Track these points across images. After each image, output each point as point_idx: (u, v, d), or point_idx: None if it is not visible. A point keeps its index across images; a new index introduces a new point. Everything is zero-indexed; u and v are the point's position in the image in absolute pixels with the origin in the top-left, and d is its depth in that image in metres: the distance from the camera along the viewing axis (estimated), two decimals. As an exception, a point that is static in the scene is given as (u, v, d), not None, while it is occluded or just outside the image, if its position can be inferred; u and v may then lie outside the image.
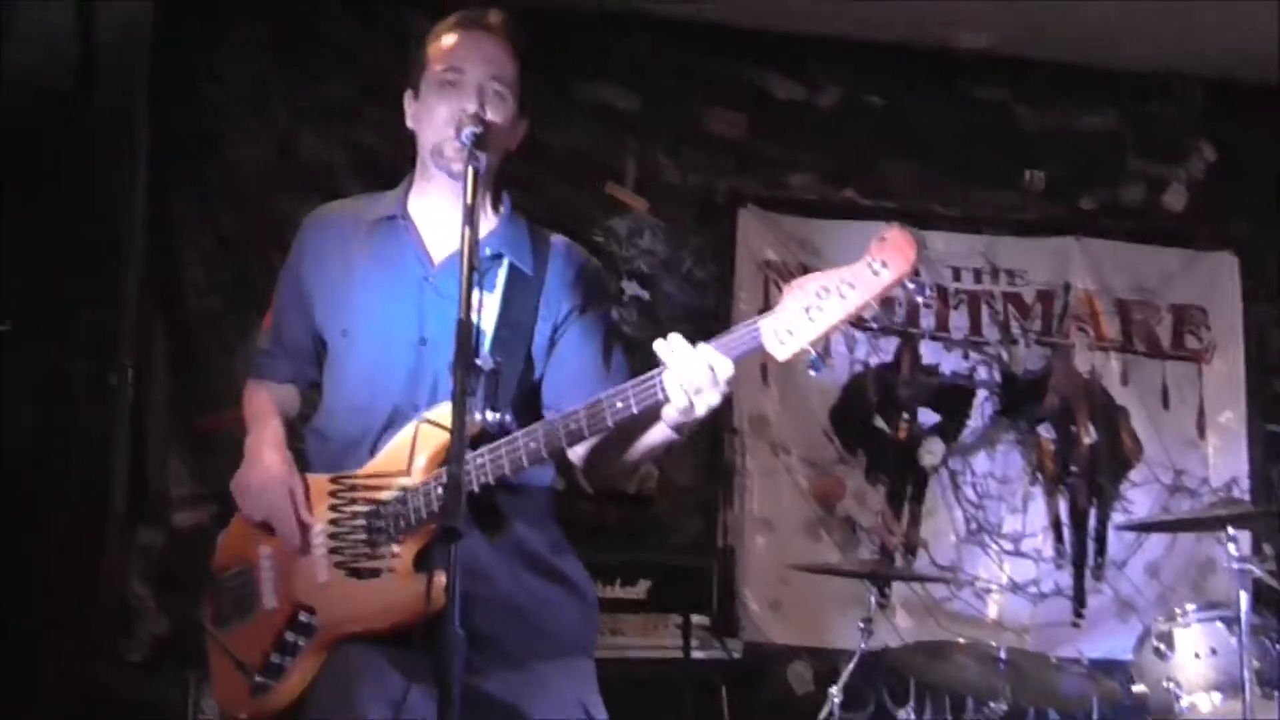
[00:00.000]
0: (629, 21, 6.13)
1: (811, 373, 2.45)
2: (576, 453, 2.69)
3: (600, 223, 6.06)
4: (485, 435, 2.60)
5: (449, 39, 2.80)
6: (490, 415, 2.61)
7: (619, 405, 2.49)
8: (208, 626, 2.80)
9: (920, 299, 2.43)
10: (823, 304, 2.38)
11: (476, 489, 2.55)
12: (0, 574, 3.58)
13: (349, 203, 2.99)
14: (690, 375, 2.41)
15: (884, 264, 2.37)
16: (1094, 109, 6.54)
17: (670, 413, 2.48)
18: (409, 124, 2.85)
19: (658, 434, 2.62)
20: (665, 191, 6.19)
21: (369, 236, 2.83)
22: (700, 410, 2.45)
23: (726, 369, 2.42)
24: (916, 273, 2.39)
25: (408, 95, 2.86)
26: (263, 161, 5.84)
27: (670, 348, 2.43)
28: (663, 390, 2.44)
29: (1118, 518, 6.25)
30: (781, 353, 2.40)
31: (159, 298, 5.70)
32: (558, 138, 6.00)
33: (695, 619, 5.17)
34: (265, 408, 2.92)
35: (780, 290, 5.95)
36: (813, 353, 2.41)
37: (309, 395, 3.00)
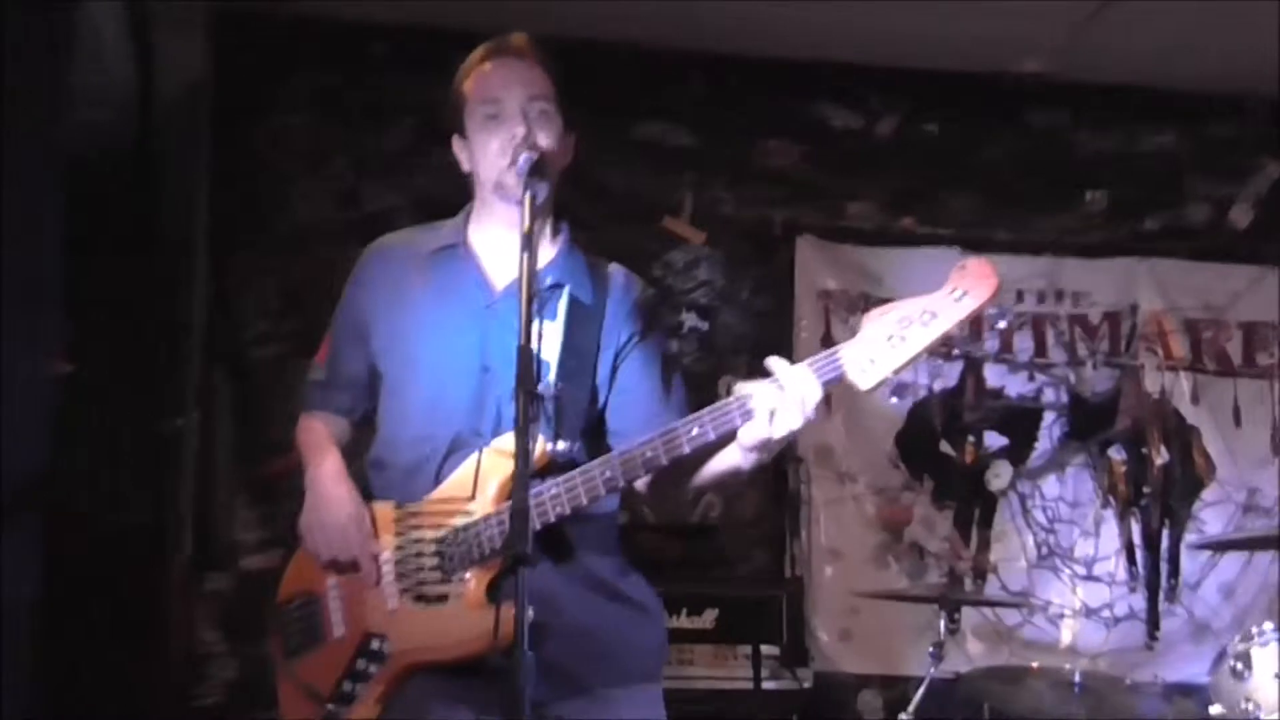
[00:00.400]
0: (685, 59, 6.16)
1: (894, 400, 2.49)
2: (642, 479, 2.66)
3: (658, 256, 6.07)
4: (554, 465, 2.60)
5: (480, 71, 2.81)
6: (561, 445, 2.62)
7: (695, 432, 2.50)
8: (276, 658, 2.79)
9: (1001, 324, 2.45)
10: (905, 332, 2.41)
11: (553, 519, 2.56)
12: (66, 621, 3.62)
13: (407, 233, 2.99)
14: (779, 394, 2.43)
15: (965, 292, 2.41)
16: (1155, 130, 6.50)
17: (747, 435, 2.48)
18: (465, 167, 2.86)
19: (729, 458, 2.61)
20: (723, 224, 6.21)
21: (429, 265, 2.83)
22: (779, 432, 2.45)
23: (815, 393, 2.44)
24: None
25: (455, 139, 2.87)
26: (324, 211, 5.92)
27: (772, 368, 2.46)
28: (742, 413, 2.46)
29: (1191, 539, 6.17)
30: (865, 381, 2.42)
31: (221, 347, 5.79)
32: (616, 177, 6.04)
33: (765, 649, 5.15)
34: (322, 439, 2.90)
35: (840, 319, 5.99)
36: (894, 380, 2.42)
37: (361, 428, 2.98)
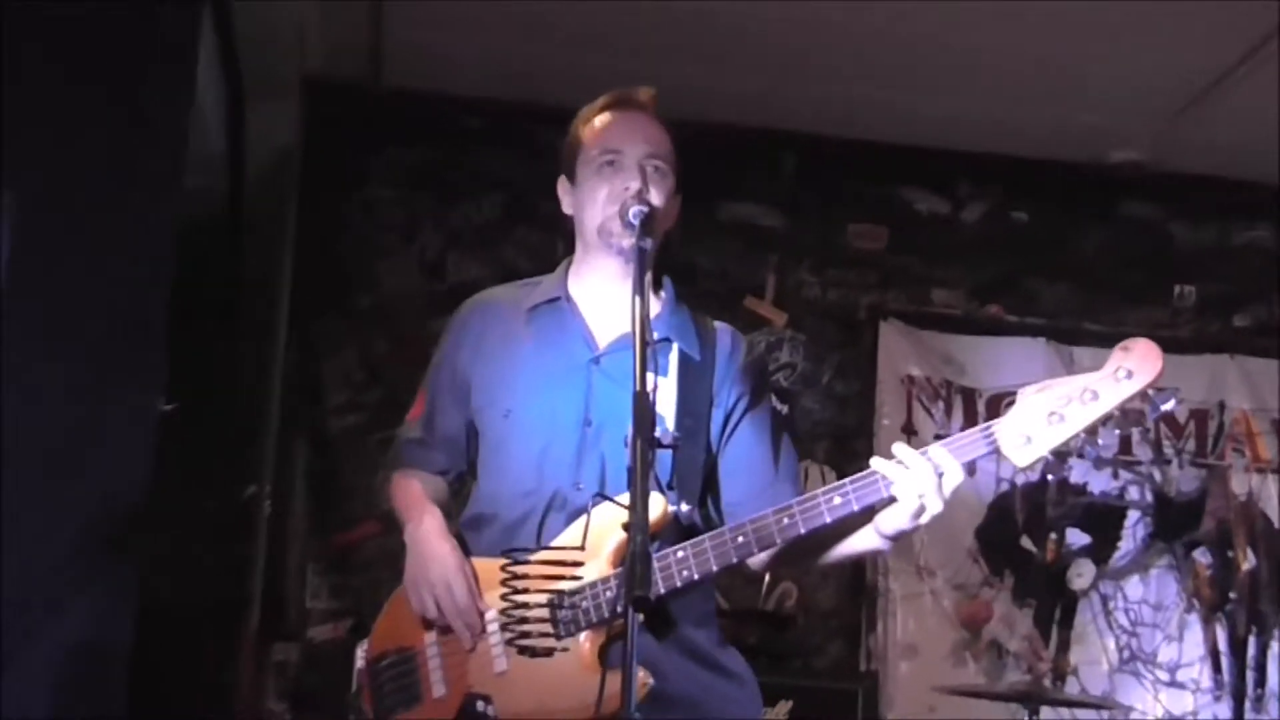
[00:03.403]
0: (774, 140, 6.17)
1: (1050, 478, 2.48)
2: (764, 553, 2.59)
3: (740, 337, 6.03)
4: (672, 527, 2.54)
5: (602, 119, 2.80)
6: (684, 506, 2.56)
7: (837, 501, 2.45)
8: (369, 717, 2.69)
9: (1163, 407, 2.39)
10: (1065, 410, 2.39)
11: (679, 584, 2.50)
12: (138, 692, 3.58)
13: (505, 289, 2.96)
14: (919, 479, 2.38)
15: (1129, 373, 2.39)
16: (1248, 224, 6.43)
17: (894, 518, 2.43)
18: (566, 210, 2.85)
19: (864, 540, 2.56)
20: (806, 306, 6.18)
21: (531, 320, 2.81)
22: (924, 517, 2.41)
23: (956, 475, 2.40)
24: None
25: (562, 182, 2.86)
26: (409, 282, 5.92)
27: (898, 456, 2.42)
28: (886, 489, 2.41)
29: (1278, 647, 5.99)
30: (1022, 458, 2.40)
31: (300, 416, 5.77)
32: (703, 256, 6.07)
33: (841, 745, 5.05)
34: (421, 497, 2.83)
35: (922, 406, 5.93)
36: (1050, 459, 2.40)
37: (455, 488, 2.94)
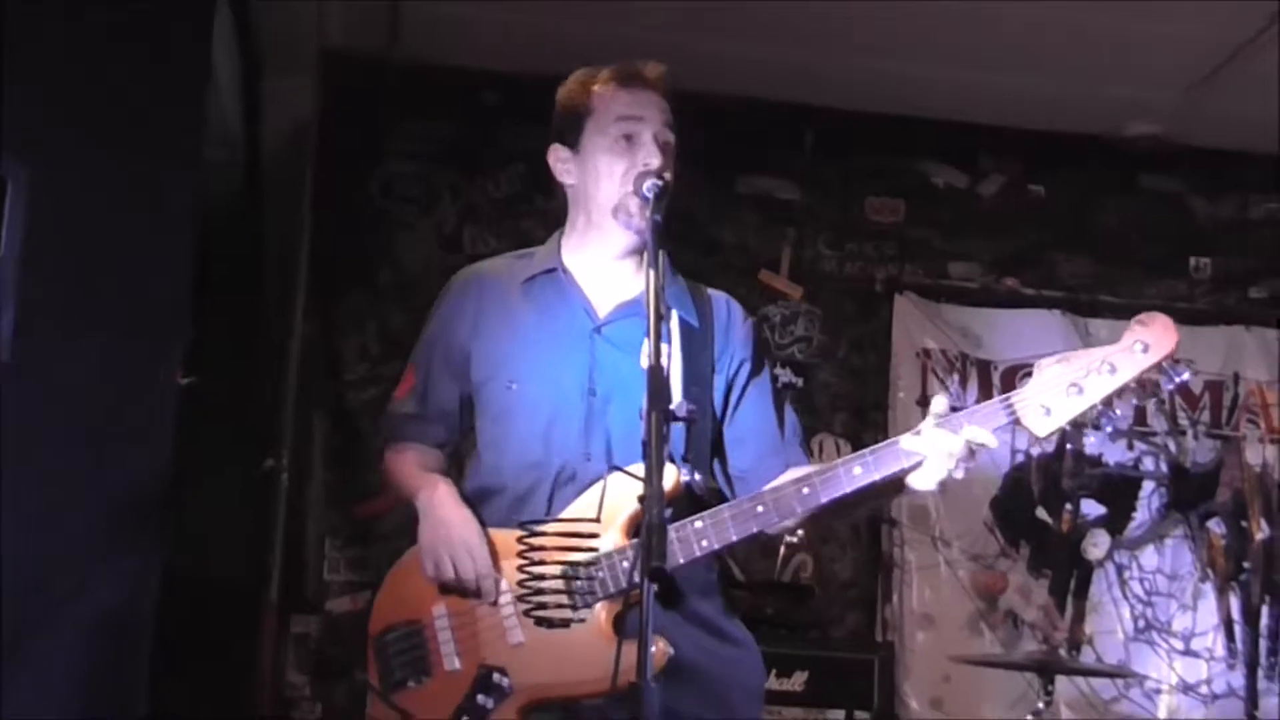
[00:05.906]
0: (792, 114, 6.15)
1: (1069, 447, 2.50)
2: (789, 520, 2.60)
3: (755, 310, 6.02)
4: (685, 496, 2.55)
5: (614, 91, 2.78)
6: (697, 476, 2.58)
7: (858, 471, 2.47)
8: (376, 689, 2.68)
9: (1179, 380, 2.44)
10: (1085, 382, 2.42)
11: (698, 553, 2.51)
12: (159, 665, 3.63)
13: (495, 262, 2.96)
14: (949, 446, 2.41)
15: (1145, 347, 2.43)
16: (1266, 197, 6.41)
17: (921, 480, 2.45)
18: (565, 179, 2.84)
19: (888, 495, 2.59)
20: (823, 280, 6.18)
21: (527, 291, 2.81)
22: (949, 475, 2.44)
23: (990, 442, 2.43)
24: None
25: (557, 150, 2.84)
26: (427, 256, 5.91)
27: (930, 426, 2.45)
28: (907, 456, 2.44)
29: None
30: (1042, 428, 2.45)
31: (319, 389, 5.78)
32: (720, 229, 6.06)
33: (858, 715, 5.06)
34: (422, 469, 2.84)
35: (938, 379, 5.93)
36: (1068, 429, 2.47)
37: (451, 461, 2.94)
